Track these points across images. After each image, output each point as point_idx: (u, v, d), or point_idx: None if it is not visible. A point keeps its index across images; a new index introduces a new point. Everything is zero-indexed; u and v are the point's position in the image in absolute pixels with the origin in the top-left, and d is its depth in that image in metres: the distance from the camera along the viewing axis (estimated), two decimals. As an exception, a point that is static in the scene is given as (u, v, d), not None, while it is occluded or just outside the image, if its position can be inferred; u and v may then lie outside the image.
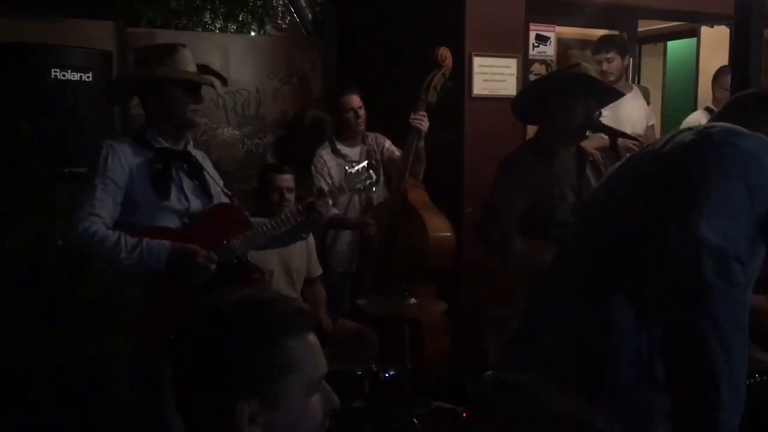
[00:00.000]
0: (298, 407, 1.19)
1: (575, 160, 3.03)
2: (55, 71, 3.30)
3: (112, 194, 2.56)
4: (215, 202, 2.84)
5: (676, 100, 6.61)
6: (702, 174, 1.48)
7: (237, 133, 5.32)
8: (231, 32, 6.92)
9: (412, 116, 3.91)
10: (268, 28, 6.85)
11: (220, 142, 5.26)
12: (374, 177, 3.13)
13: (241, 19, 7.00)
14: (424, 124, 3.93)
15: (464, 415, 4.14)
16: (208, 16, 7.13)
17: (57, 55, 3.37)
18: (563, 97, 2.91)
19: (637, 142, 2.91)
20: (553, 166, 2.98)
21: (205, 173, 2.83)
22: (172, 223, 2.67)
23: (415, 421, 3.43)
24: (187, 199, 2.71)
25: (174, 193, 2.68)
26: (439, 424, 3.95)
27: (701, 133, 1.59)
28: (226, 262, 2.70)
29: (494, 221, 2.96)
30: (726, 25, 5.17)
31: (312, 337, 1.24)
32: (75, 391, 1.55)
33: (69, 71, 3.32)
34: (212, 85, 2.83)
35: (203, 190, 2.78)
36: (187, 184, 2.74)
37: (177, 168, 2.72)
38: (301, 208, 2.91)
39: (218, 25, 7.16)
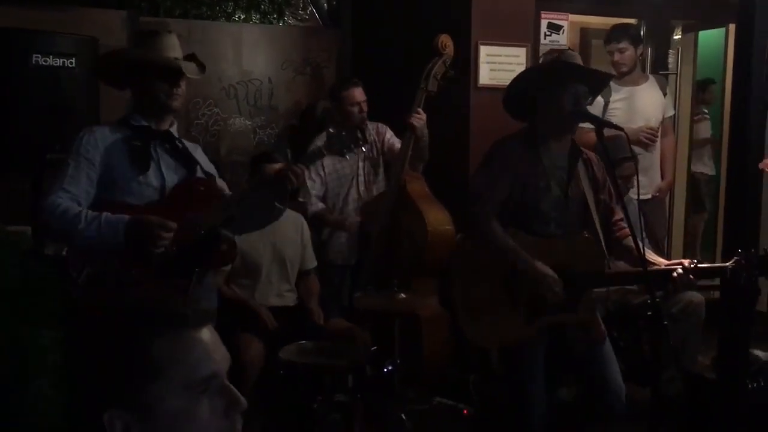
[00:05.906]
0: (176, 413, 1.11)
1: (568, 155, 2.92)
2: (36, 56, 3.27)
3: (85, 171, 2.58)
4: None
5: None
6: None
7: (249, 123, 5.30)
8: (254, 23, 6.91)
9: (410, 114, 3.81)
10: (288, 18, 6.82)
11: (231, 132, 5.24)
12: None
13: (262, 9, 6.98)
14: (421, 122, 3.83)
15: (465, 412, 4.05)
16: (230, 6, 7.12)
17: (39, 40, 3.33)
18: (550, 88, 2.80)
19: (622, 132, 2.76)
20: (542, 157, 2.87)
21: (192, 158, 2.79)
22: (151, 199, 2.66)
23: (403, 416, 3.35)
24: (164, 176, 2.69)
25: (153, 170, 2.67)
26: (439, 421, 3.88)
27: None
28: (195, 235, 2.62)
29: (474, 205, 2.85)
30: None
31: (185, 337, 1.14)
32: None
33: (51, 57, 3.28)
34: (182, 71, 2.73)
35: (183, 169, 2.75)
36: (166, 162, 2.72)
37: (156, 146, 2.72)
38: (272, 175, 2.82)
39: (241, 16, 7.16)
